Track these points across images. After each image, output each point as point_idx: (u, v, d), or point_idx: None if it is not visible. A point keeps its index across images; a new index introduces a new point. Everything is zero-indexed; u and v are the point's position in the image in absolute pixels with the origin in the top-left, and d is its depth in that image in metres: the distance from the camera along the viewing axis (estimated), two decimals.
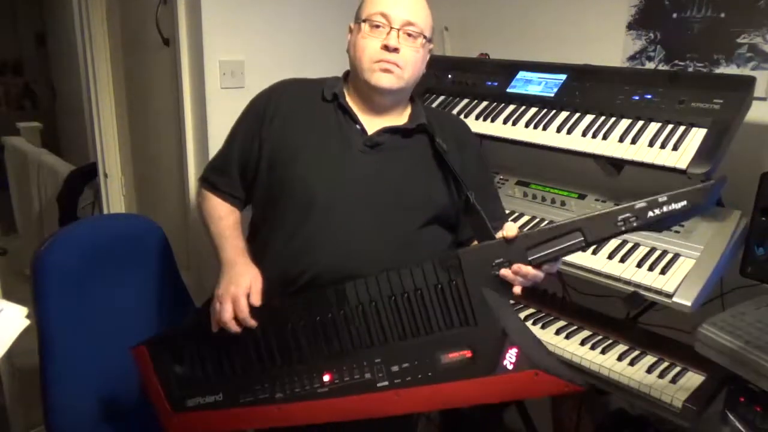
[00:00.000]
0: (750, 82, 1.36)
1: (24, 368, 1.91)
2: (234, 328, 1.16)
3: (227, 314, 1.15)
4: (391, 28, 1.22)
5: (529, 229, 1.52)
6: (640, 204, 0.97)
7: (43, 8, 5.66)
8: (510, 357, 1.03)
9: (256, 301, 1.17)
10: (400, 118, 1.32)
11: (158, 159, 2.36)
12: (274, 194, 1.27)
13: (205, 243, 2.05)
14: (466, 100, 1.79)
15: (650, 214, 0.96)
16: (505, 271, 1.04)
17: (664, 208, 0.95)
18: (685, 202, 0.94)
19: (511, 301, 1.12)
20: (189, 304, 1.66)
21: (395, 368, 1.09)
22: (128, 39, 2.46)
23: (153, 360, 1.24)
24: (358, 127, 1.27)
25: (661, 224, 0.98)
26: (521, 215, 1.63)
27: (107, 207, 2.67)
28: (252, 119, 1.32)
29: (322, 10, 2.12)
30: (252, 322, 1.16)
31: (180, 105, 2.02)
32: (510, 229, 1.04)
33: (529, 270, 1.03)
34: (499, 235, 1.07)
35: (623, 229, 0.98)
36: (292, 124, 1.28)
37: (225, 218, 1.32)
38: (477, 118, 1.71)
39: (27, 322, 1.05)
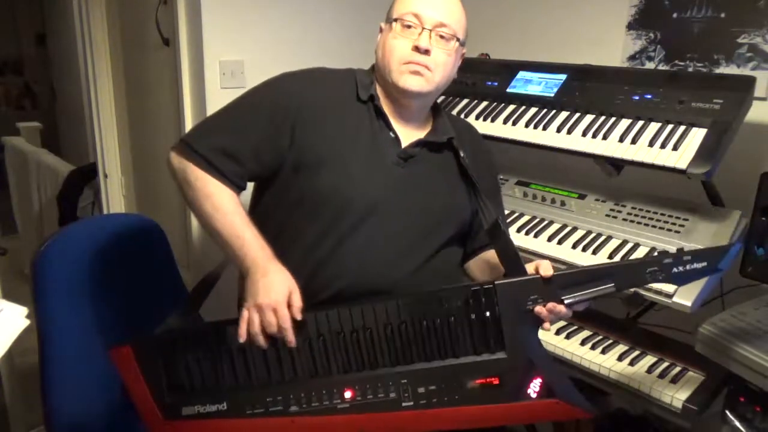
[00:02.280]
0: (750, 82, 1.36)
1: (24, 368, 1.91)
2: (264, 343, 1.07)
3: (271, 327, 1.05)
4: (423, 28, 1.17)
5: (534, 232, 1.53)
6: (667, 260, 1.04)
7: (43, 8, 5.66)
8: (534, 386, 1.07)
9: (298, 314, 1.06)
10: (425, 126, 1.29)
11: (158, 159, 2.36)
12: (297, 200, 1.19)
13: (205, 243, 2.05)
14: (466, 100, 1.79)
15: (674, 270, 1.04)
16: (539, 309, 1.05)
17: (687, 267, 1.04)
18: (705, 263, 1.03)
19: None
20: None
21: (422, 390, 1.08)
22: (128, 39, 2.46)
23: (140, 362, 1.15)
24: (392, 135, 1.22)
25: (681, 280, 1.06)
26: (521, 215, 1.63)
27: (107, 207, 2.67)
28: (278, 112, 1.19)
29: (322, 11, 2.12)
30: (292, 337, 1.05)
31: (180, 105, 2.02)
32: (546, 269, 1.06)
33: (562, 309, 1.05)
34: (531, 269, 1.08)
35: (649, 279, 1.05)
36: (324, 125, 1.20)
37: (234, 211, 1.15)
38: (477, 118, 1.71)
39: (27, 322, 1.05)
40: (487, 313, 1.07)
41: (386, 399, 1.09)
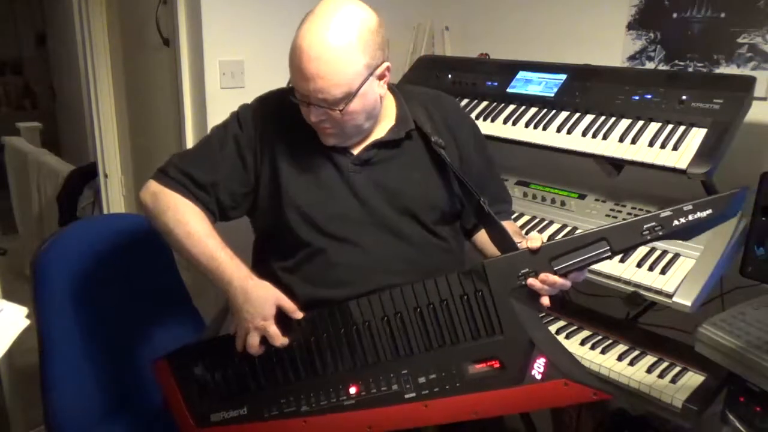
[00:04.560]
0: (750, 82, 1.36)
1: (24, 368, 1.91)
2: (260, 351, 1.12)
3: (254, 348, 1.11)
4: (309, 103, 1.11)
5: (534, 232, 1.53)
6: (665, 213, 0.97)
7: (43, 8, 5.66)
8: (538, 367, 1.03)
9: (298, 314, 1.12)
10: (385, 123, 1.24)
11: (158, 159, 2.36)
12: (273, 228, 1.22)
13: None
14: (466, 100, 1.79)
15: (675, 222, 0.96)
16: (532, 281, 1.04)
17: (690, 217, 0.96)
18: (710, 211, 0.95)
19: (541, 314, 1.11)
20: (189, 304, 1.66)
21: (422, 379, 1.08)
22: (128, 39, 2.47)
23: (175, 374, 1.21)
24: (341, 146, 1.21)
25: (686, 233, 0.98)
26: (521, 215, 1.63)
27: (107, 207, 2.68)
28: (245, 144, 1.22)
29: None
30: (286, 342, 1.12)
31: (180, 105, 2.02)
32: (534, 240, 1.04)
33: (556, 279, 1.03)
34: (522, 244, 1.07)
35: (649, 237, 0.99)
36: (281, 152, 1.21)
37: (208, 234, 1.16)
38: (477, 118, 1.71)
39: (27, 322, 1.05)
40: (480, 294, 1.06)
41: (389, 392, 1.09)
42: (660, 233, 0.98)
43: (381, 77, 1.16)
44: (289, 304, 1.12)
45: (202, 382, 1.20)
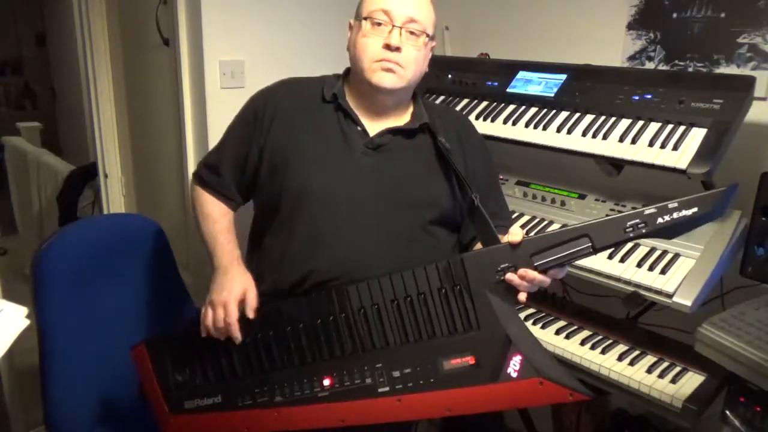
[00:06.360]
0: (750, 82, 1.36)
1: (24, 368, 1.91)
2: (220, 336, 1.15)
3: (218, 322, 1.15)
4: (393, 26, 1.19)
5: (534, 232, 1.53)
6: (649, 210, 0.95)
7: (43, 8, 5.66)
8: (514, 365, 1.02)
9: (251, 313, 1.16)
10: (402, 117, 1.30)
11: (158, 159, 2.36)
12: (276, 198, 1.25)
13: None
14: (466, 100, 1.80)
15: (659, 220, 0.95)
16: (510, 276, 1.03)
17: (674, 215, 0.94)
18: (695, 209, 0.93)
19: (517, 307, 1.10)
20: (189, 304, 1.66)
21: (396, 373, 1.07)
22: (128, 39, 2.47)
23: (152, 360, 1.23)
24: (359, 128, 1.26)
25: (670, 231, 0.96)
26: (521, 215, 1.63)
27: (107, 207, 2.67)
28: (250, 122, 1.29)
29: (322, 10, 2.12)
30: (237, 334, 1.14)
31: (180, 105, 2.02)
32: (515, 234, 1.03)
33: (535, 275, 1.02)
34: (504, 239, 1.06)
35: (632, 235, 0.97)
36: (292, 126, 1.26)
37: (219, 221, 1.30)
38: (477, 118, 1.71)
39: (27, 322, 1.05)
40: (458, 288, 1.05)
41: (362, 385, 1.09)
42: (643, 231, 0.96)
43: (431, 50, 1.29)
44: (252, 299, 1.17)
45: (179, 369, 1.22)
